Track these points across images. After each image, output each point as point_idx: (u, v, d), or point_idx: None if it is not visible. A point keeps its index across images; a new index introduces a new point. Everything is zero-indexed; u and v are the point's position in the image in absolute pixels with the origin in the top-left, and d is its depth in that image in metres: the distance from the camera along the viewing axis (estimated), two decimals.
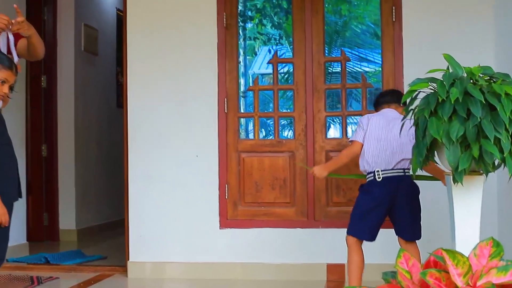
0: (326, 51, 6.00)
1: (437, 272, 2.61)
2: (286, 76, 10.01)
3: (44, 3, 7.77)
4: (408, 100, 3.16)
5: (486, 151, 2.92)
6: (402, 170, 4.31)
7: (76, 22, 8.04)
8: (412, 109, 3.17)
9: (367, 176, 4.37)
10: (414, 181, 4.31)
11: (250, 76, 13.86)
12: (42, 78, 7.70)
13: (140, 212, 5.76)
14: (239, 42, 5.96)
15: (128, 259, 5.78)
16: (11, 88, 3.62)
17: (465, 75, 3.06)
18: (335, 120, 11.08)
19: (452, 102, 2.92)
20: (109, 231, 8.43)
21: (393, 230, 4.42)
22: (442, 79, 3.03)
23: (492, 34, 5.39)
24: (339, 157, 4.52)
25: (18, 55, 3.84)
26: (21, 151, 6.59)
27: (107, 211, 8.66)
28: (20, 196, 3.72)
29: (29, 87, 7.48)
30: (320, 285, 5.34)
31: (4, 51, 3.73)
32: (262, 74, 13.50)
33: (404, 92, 3.72)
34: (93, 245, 7.56)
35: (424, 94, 3.11)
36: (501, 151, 2.94)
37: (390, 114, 4.40)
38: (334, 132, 12.02)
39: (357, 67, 11.98)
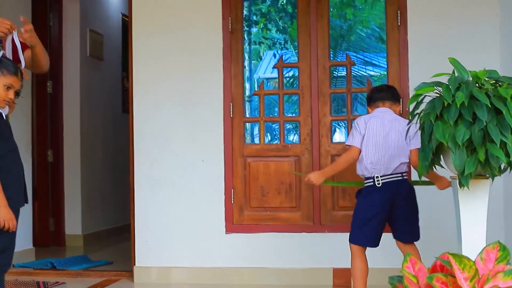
0: (331, 55, 6.00)
1: (444, 276, 2.61)
2: (291, 80, 10.02)
3: (49, 9, 7.80)
4: (413, 105, 3.16)
5: (492, 155, 2.92)
6: (400, 174, 4.29)
7: (81, 28, 8.07)
8: (417, 113, 3.17)
9: (365, 181, 4.34)
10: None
11: (256, 80, 13.86)
12: (48, 84, 7.72)
13: (146, 217, 5.76)
14: (244, 47, 5.97)
15: (134, 264, 5.79)
16: (17, 94, 3.63)
17: (471, 79, 3.06)
18: (340, 124, 11.09)
19: (458, 106, 2.92)
20: (115, 236, 8.44)
21: None
22: (447, 83, 3.03)
23: (498, 37, 5.38)
24: (337, 163, 4.49)
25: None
26: (27, 156, 6.60)
27: (113, 216, 8.67)
28: (27, 202, 3.72)
29: (35, 93, 7.50)
30: None
31: (9, 56, 3.73)
32: (267, 79, 13.52)
33: (410, 97, 3.72)
34: (99, 250, 7.57)
35: (430, 98, 3.11)
36: (507, 155, 2.94)
37: (387, 116, 4.34)
38: (339, 136, 12.02)
39: (362, 71, 11.99)
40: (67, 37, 7.96)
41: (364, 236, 4.31)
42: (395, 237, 4.42)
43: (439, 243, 4.70)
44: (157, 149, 5.77)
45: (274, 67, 5.99)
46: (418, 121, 3.17)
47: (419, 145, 4.18)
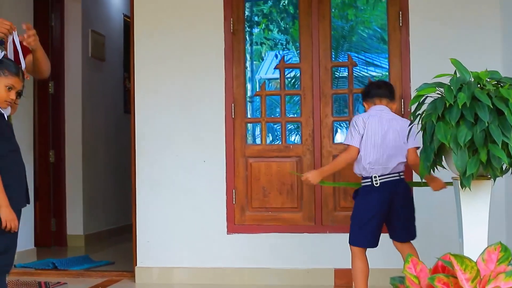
0: (333, 56, 6.00)
1: (445, 277, 2.61)
2: (293, 81, 10.01)
3: (51, 9, 7.80)
4: (415, 105, 3.16)
5: (494, 156, 2.92)
6: (397, 174, 4.29)
7: (83, 28, 8.07)
8: (419, 114, 3.17)
9: (363, 181, 4.33)
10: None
11: (257, 81, 13.85)
12: (50, 84, 7.72)
13: (148, 218, 5.76)
14: (246, 47, 5.97)
15: (136, 265, 5.79)
16: (19, 94, 3.63)
17: (473, 79, 3.06)
18: (342, 125, 11.07)
19: (460, 107, 2.92)
20: (116, 237, 8.44)
21: None
22: (449, 83, 3.03)
23: (499, 38, 5.38)
24: (336, 162, 4.48)
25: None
26: (28, 157, 6.61)
27: (114, 217, 8.67)
28: (28, 202, 3.72)
29: (37, 93, 7.52)
30: None
31: (11, 57, 3.73)
32: (269, 79, 13.50)
33: (412, 97, 3.72)
34: (101, 250, 7.57)
35: (432, 99, 3.11)
36: (509, 155, 2.94)
37: (385, 115, 4.33)
38: (341, 137, 11.98)
39: (364, 72, 11.96)
40: (68, 37, 7.96)
41: (364, 237, 4.31)
42: (392, 237, 4.41)
43: (440, 243, 4.70)
44: (159, 149, 5.77)
45: (275, 68, 5.99)
46: (420, 122, 3.17)
47: (416, 144, 4.20)
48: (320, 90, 5.64)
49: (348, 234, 4.39)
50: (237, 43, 5.76)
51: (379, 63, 12.23)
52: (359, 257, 4.32)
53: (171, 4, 5.83)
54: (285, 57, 6.36)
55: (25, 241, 6.54)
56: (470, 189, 2.99)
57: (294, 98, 8.99)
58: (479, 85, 3.02)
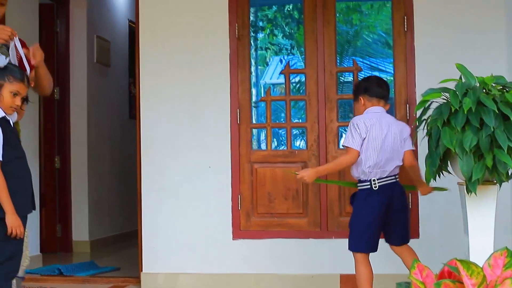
0: (338, 61, 6.00)
1: (452, 282, 2.60)
2: (298, 86, 10.02)
3: (57, 15, 7.82)
4: (420, 110, 3.16)
5: (499, 161, 2.92)
6: (394, 177, 4.29)
7: (88, 34, 8.09)
8: (425, 119, 3.17)
9: (361, 184, 4.31)
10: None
11: (262, 86, 13.85)
12: (55, 90, 7.73)
13: (153, 223, 5.76)
14: (251, 53, 5.97)
15: (142, 270, 5.79)
16: (25, 100, 3.64)
17: (478, 84, 3.06)
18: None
19: (465, 112, 2.92)
20: (122, 242, 8.44)
21: None
22: (454, 89, 3.04)
23: (504, 43, 5.37)
24: (335, 164, 4.47)
25: None
26: (34, 163, 6.61)
27: (120, 222, 8.67)
28: (34, 208, 3.73)
29: (42, 99, 7.51)
30: None
31: (14, 63, 3.74)
32: (274, 84, 13.50)
33: (417, 103, 3.72)
34: (106, 256, 7.57)
35: (437, 104, 3.11)
36: None
37: (384, 119, 4.31)
38: None
39: None
40: (74, 43, 7.97)
41: (365, 243, 4.30)
42: (388, 241, 4.40)
43: (446, 249, 4.69)
44: (164, 155, 5.77)
45: (280, 73, 5.99)
46: (425, 127, 3.16)
47: (412, 147, 4.20)
48: (325, 95, 5.64)
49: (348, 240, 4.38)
50: (242, 49, 5.76)
51: (384, 68, 12.23)
52: (362, 263, 4.30)
53: (176, 9, 5.83)
54: (290, 62, 6.39)
55: (31, 247, 6.48)
56: (476, 194, 2.99)
57: (299, 104, 8.98)
58: (484, 90, 3.02)
